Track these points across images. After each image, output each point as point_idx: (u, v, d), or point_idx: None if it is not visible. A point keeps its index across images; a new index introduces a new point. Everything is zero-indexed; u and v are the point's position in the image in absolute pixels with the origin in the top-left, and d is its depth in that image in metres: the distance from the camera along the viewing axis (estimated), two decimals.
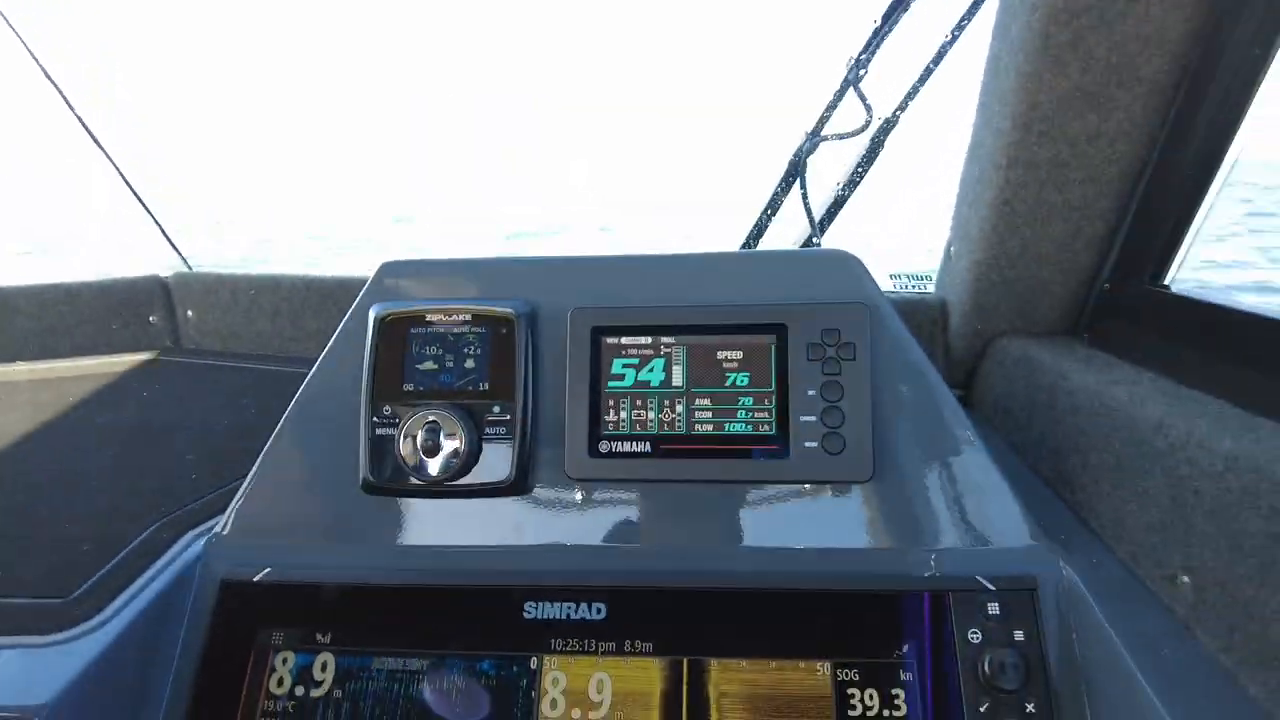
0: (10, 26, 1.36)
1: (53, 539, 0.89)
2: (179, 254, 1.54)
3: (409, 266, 0.92)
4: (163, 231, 1.52)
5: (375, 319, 0.88)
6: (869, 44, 1.11)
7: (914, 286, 1.27)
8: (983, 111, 0.98)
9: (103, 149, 1.42)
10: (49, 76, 1.37)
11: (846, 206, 1.29)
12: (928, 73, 1.11)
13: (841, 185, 1.25)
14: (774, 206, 1.29)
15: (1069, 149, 0.89)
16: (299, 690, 0.79)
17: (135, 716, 0.76)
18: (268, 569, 0.83)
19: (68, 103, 1.39)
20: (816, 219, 1.28)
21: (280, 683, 0.79)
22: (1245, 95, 0.77)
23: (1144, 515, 0.74)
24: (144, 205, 1.49)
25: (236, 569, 0.83)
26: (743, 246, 1.36)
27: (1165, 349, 0.84)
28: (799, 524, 0.80)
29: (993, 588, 0.75)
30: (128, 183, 1.45)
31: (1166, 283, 0.88)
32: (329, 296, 1.38)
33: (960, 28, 1.05)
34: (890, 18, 1.08)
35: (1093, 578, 0.74)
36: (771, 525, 0.81)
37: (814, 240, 1.30)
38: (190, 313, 1.46)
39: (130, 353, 1.44)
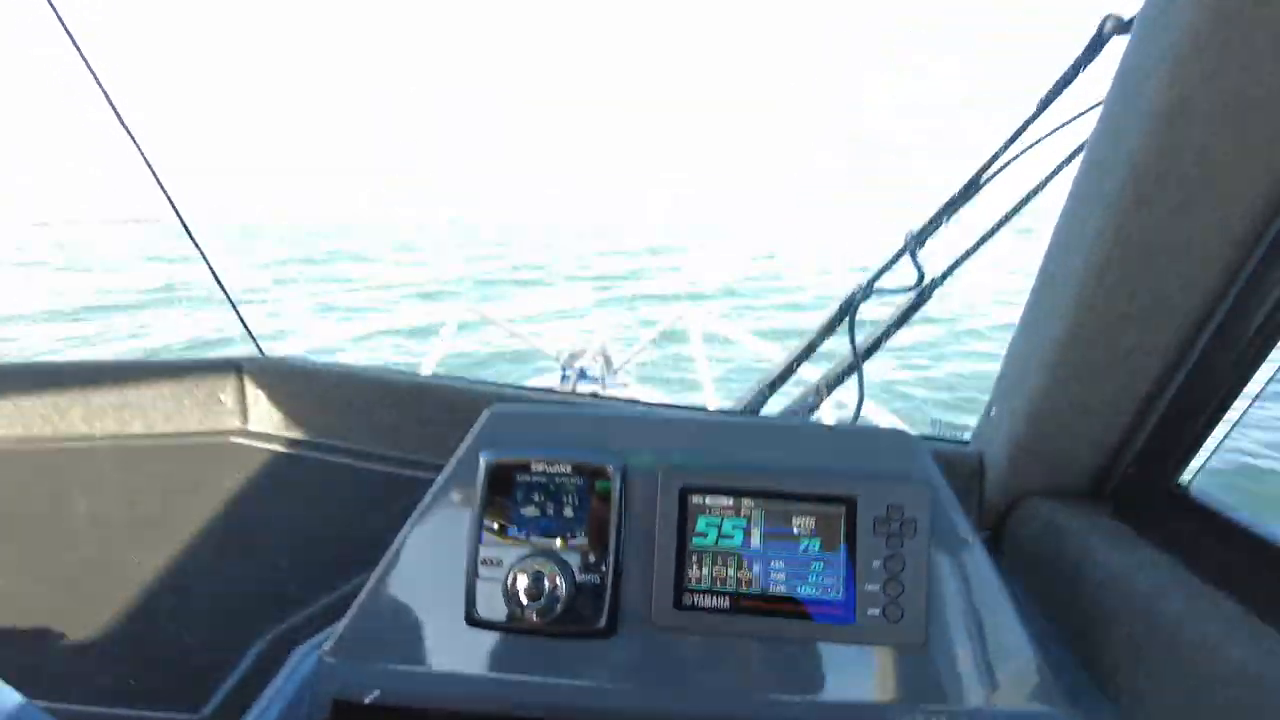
0: (115, 112, 1.45)
1: (169, 647, 0.96)
2: (254, 339, 1.63)
3: (516, 415, 1.02)
4: (240, 318, 1.61)
5: (485, 465, 0.97)
6: (927, 225, 1.25)
7: (950, 434, 1.40)
8: (1035, 307, 1.10)
9: (192, 238, 1.51)
10: (148, 163, 1.46)
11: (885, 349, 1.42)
12: (974, 249, 1.25)
13: (882, 332, 1.38)
14: (815, 345, 1.42)
15: (1111, 357, 1.02)
16: None
17: None
18: (377, 691, 0.91)
19: (164, 191, 1.49)
20: (859, 354, 1.41)
21: None
22: (1269, 342, 0.90)
23: (1160, 697, 0.83)
24: (226, 293, 1.58)
25: (346, 690, 0.91)
26: (780, 374, 1.47)
27: (1180, 539, 0.96)
28: (860, 682, 0.90)
29: None
30: (213, 271, 1.54)
31: (1184, 480, 1.00)
32: (404, 397, 1.47)
33: (1007, 219, 1.19)
34: (950, 209, 1.22)
35: None
36: (835, 682, 0.90)
37: (851, 372, 1.42)
38: (261, 397, 1.54)
39: (202, 433, 1.51)
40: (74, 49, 1.39)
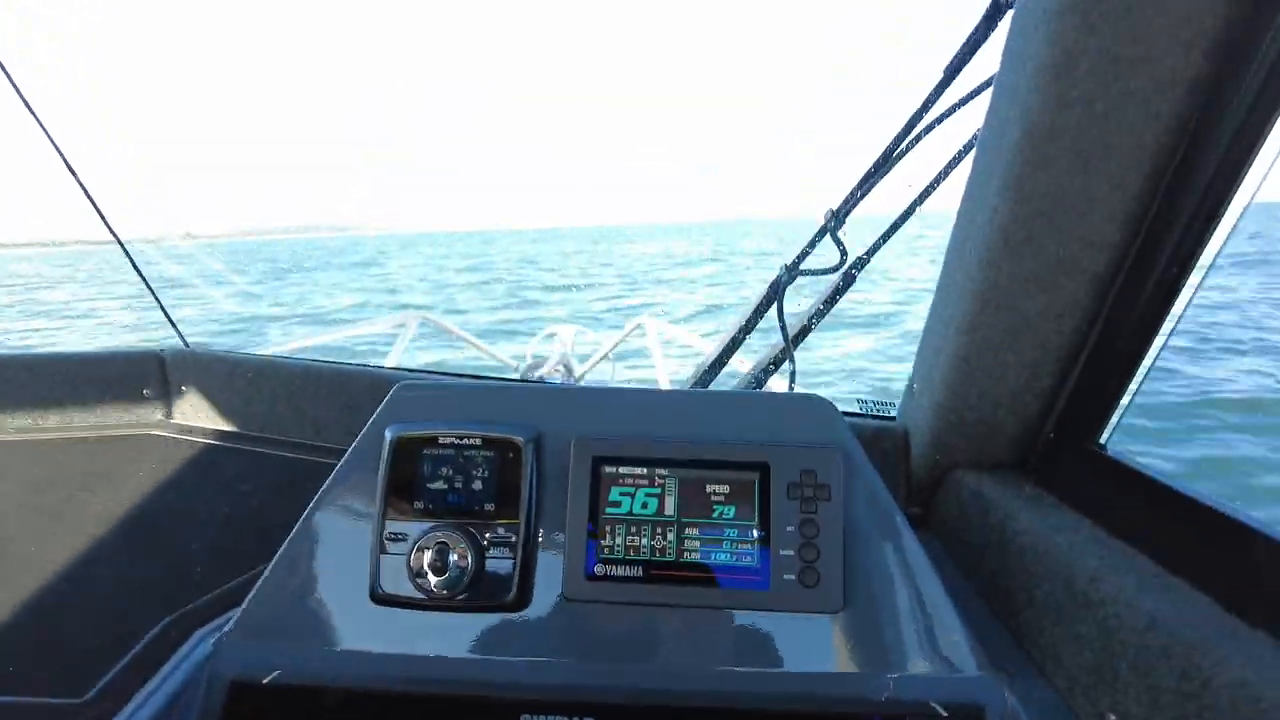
0: (21, 98, 1.41)
1: (66, 634, 0.91)
2: (177, 331, 1.58)
3: (423, 389, 1.00)
4: (162, 308, 1.56)
5: (390, 440, 0.94)
6: (845, 202, 1.25)
7: (878, 410, 1.39)
8: (947, 277, 1.10)
9: (109, 226, 1.46)
10: (69, 166, 1.42)
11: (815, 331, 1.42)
12: (896, 226, 1.25)
13: (813, 314, 1.38)
14: (749, 328, 1.41)
15: (1023, 321, 1.02)
16: None
17: None
18: (277, 671, 0.87)
19: (85, 191, 1.44)
20: (790, 337, 1.41)
21: None
22: (1172, 294, 0.90)
23: (1079, 655, 0.83)
24: (145, 282, 1.53)
25: (246, 670, 0.87)
26: (716, 360, 1.47)
27: (1099, 500, 0.96)
28: (775, 649, 0.87)
29: (945, 714, 0.83)
30: (132, 260, 1.49)
31: (1102, 441, 1.00)
32: (327, 384, 1.43)
33: (925, 195, 1.20)
34: (866, 185, 1.22)
35: (1032, 707, 0.83)
36: (750, 650, 0.88)
37: (785, 357, 1.42)
38: (185, 388, 1.49)
39: (123, 426, 1.46)
40: None
